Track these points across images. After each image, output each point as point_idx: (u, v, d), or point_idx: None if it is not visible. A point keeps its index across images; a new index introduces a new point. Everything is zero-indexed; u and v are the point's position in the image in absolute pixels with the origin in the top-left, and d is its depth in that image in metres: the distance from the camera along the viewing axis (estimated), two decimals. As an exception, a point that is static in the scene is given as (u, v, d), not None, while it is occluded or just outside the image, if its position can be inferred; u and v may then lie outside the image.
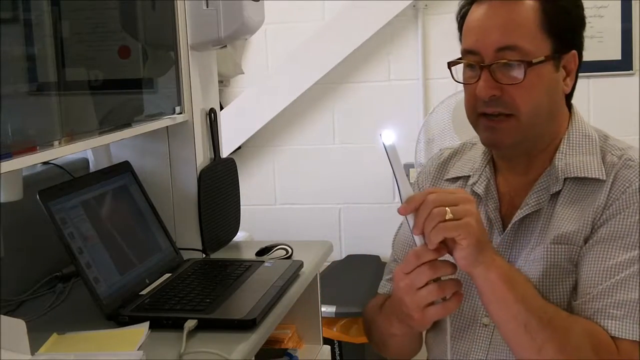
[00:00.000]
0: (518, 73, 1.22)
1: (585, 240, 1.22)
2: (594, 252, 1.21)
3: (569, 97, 1.33)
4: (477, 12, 1.26)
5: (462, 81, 1.29)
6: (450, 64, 1.30)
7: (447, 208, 1.09)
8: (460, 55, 1.29)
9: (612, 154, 1.28)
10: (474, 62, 1.25)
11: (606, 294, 1.18)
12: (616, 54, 3.01)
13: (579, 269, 1.22)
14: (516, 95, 1.23)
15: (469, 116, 1.30)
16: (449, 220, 1.09)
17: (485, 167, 1.36)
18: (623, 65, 3.01)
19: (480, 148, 1.39)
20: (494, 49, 1.22)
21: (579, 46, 1.29)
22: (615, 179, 1.24)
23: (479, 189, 1.34)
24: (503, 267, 1.16)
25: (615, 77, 3.02)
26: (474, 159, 1.39)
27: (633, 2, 2.97)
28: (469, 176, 1.38)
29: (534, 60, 1.21)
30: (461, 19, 1.30)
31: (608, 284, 1.19)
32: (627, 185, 1.23)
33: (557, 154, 1.29)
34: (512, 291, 1.15)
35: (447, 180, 1.42)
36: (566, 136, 1.30)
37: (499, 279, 1.14)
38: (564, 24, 1.25)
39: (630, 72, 3.02)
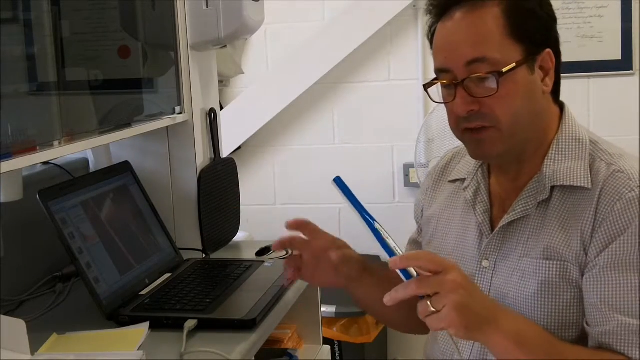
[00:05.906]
0: (491, 84, 1.21)
1: (577, 257, 1.19)
2: (605, 276, 1.17)
3: (556, 94, 1.30)
4: (443, 30, 1.25)
5: (442, 101, 1.28)
6: (426, 86, 1.29)
7: (428, 302, 1.08)
8: (435, 76, 1.28)
9: (601, 159, 1.24)
10: (447, 80, 1.24)
11: (629, 321, 1.15)
12: (616, 54, 3.00)
13: (588, 293, 1.19)
14: (494, 107, 1.22)
15: (454, 133, 1.29)
16: (432, 313, 1.09)
17: (478, 170, 1.36)
18: (623, 65, 3.01)
19: None
20: (463, 63, 1.22)
21: (553, 43, 1.26)
22: (602, 192, 1.20)
23: (469, 193, 1.34)
24: (507, 327, 1.13)
25: (615, 77, 3.02)
26: (471, 161, 1.38)
27: (633, 2, 2.97)
28: (465, 179, 1.38)
29: (504, 69, 1.20)
30: (431, 37, 1.29)
31: (628, 309, 1.15)
32: (616, 199, 1.18)
33: (545, 160, 1.26)
34: (522, 348, 1.13)
35: (450, 181, 1.42)
36: (556, 141, 1.27)
37: (504, 341, 1.13)
38: (531, 26, 1.23)
39: (630, 72, 3.02)
